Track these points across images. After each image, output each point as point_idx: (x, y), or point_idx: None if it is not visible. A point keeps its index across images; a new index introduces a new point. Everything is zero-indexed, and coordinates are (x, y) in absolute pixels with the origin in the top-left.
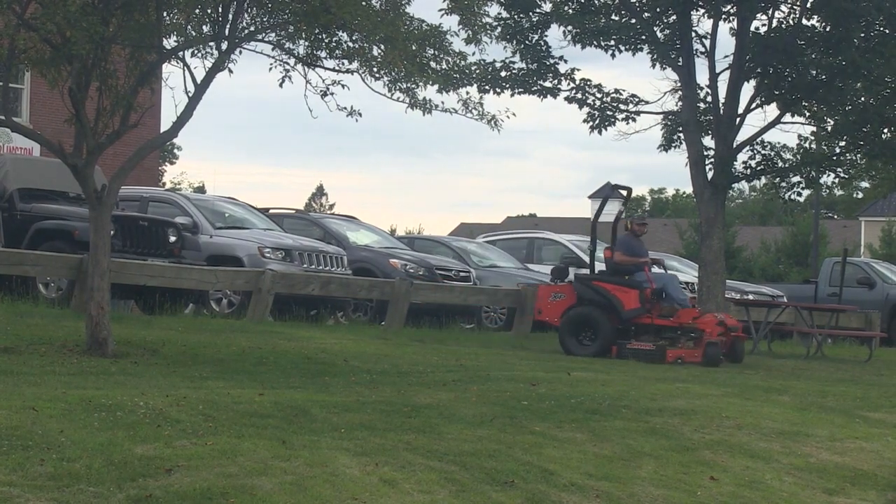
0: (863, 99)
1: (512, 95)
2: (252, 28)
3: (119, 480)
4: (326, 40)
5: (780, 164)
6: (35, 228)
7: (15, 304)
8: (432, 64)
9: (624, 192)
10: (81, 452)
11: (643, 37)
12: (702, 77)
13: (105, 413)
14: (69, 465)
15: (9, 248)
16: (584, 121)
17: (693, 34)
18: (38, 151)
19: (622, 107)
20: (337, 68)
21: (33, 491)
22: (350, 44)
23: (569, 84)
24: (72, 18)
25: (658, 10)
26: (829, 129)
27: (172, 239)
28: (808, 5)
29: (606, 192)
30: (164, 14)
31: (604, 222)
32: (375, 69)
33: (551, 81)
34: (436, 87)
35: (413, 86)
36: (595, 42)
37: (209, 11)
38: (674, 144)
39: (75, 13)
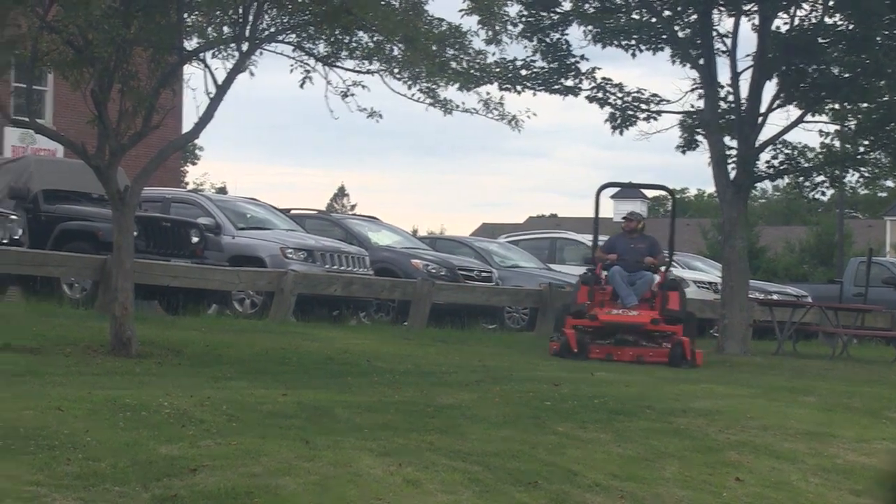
0: (886, 97)
1: (533, 94)
2: (272, 29)
3: (144, 480)
4: (346, 41)
5: (804, 163)
6: (59, 229)
7: (39, 305)
8: (452, 63)
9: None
10: (107, 452)
11: (664, 36)
12: (723, 76)
13: (130, 413)
14: (95, 464)
15: (33, 249)
16: (606, 121)
17: (714, 33)
18: (61, 153)
19: (643, 106)
20: (357, 69)
21: (60, 490)
22: (370, 44)
23: (590, 83)
24: (94, 21)
25: (679, 8)
26: (853, 128)
27: (195, 240)
28: (831, 3)
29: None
30: (185, 16)
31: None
32: (396, 69)
33: (572, 80)
34: (456, 86)
35: (433, 85)
36: (615, 41)
37: (230, 13)
38: (693, 146)
39: (97, 16)
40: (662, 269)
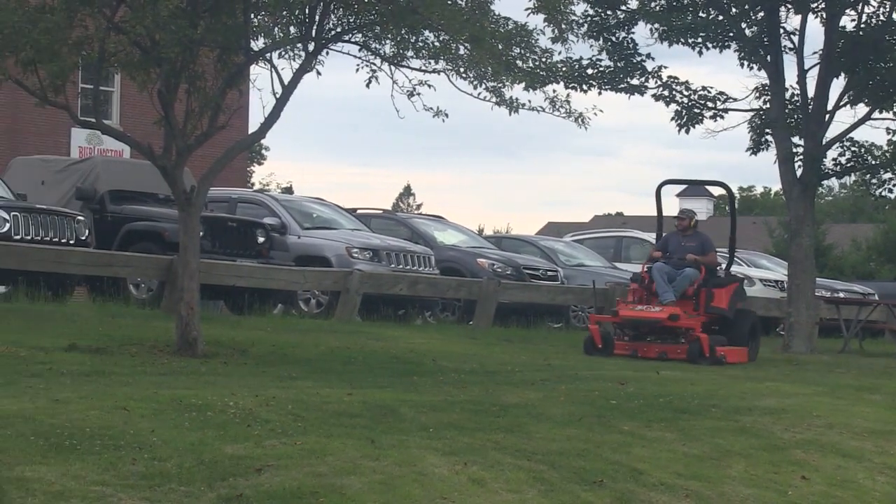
0: None
1: (599, 93)
2: (338, 29)
3: (210, 480)
4: (412, 40)
5: (871, 160)
6: (125, 230)
7: (106, 305)
8: (518, 62)
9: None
10: (172, 452)
11: (730, 34)
12: (790, 74)
13: (195, 413)
14: (160, 464)
15: (100, 249)
16: (672, 119)
17: (781, 31)
18: (128, 153)
19: (709, 104)
20: (423, 68)
21: (125, 490)
22: (436, 43)
23: (656, 82)
24: (161, 21)
25: (746, 6)
26: None
27: (261, 240)
28: None
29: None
30: (252, 16)
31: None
32: (462, 68)
33: (638, 79)
34: (522, 85)
35: (499, 84)
36: (682, 39)
37: (296, 13)
38: (762, 147)
39: (164, 16)
40: (721, 266)
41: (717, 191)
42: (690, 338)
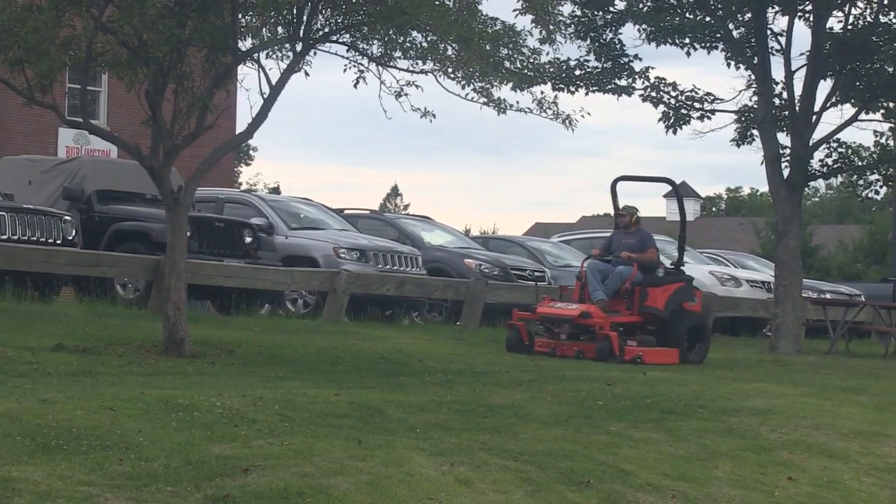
0: None
1: (586, 94)
2: (326, 29)
3: (196, 480)
4: (400, 40)
5: (857, 161)
6: (112, 230)
7: (93, 305)
8: (506, 63)
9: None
10: (159, 452)
11: (718, 35)
12: (777, 75)
13: (182, 413)
14: (147, 464)
15: (87, 249)
16: (660, 120)
17: (768, 32)
18: (115, 153)
19: (697, 105)
20: (411, 68)
21: (112, 490)
22: (424, 44)
23: (643, 82)
24: (148, 21)
25: (733, 7)
26: None
27: (248, 240)
28: (885, 1)
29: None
30: (240, 16)
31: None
32: (449, 69)
33: (626, 80)
34: (510, 86)
35: (487, 85)
36: (670, 40)
37: (284, 13)
38: (747, 140)
39: (152, 16)
40: (666, 265)
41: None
42: (598, 336)
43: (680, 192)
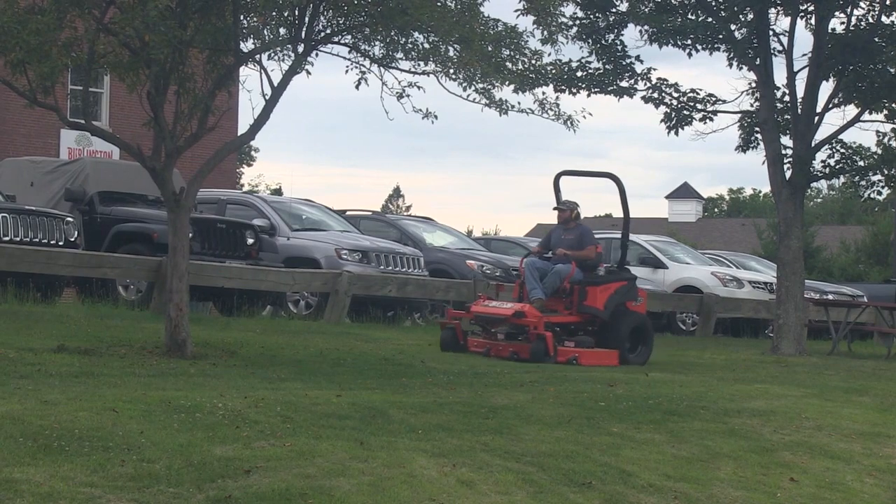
0: None
1: (588, 95)
2: (328, 30)
3: (198, 481)
4: (402, 42)
5: (860, 162)
6: (114, 231)
7: (95, 307)
8: (508, 64)
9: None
10: (161, 453)
11: (720, 36)
12: (779, 76)
13: (184, 414)
14: (149, 465)
15: (89, 250)
16: (661, 121)
17: (771, 33)
18: (117, 155)
19: (699, 106)
20: (413, 70)
21: (114, 491)
22: (426, 45)
23: (645, 84)
24: (150, 23)
25: (735, 8)
26: None
27: (250, 241)
28: (888, 2)
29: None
30: (241, 17)
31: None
32: (451, 70)
33: (627, 81)
34: (512, 87)
35: (489, 86)
36: (672, 41)
37: (286, 14)
38: (751, 146)
39: (154, 18)
40: (608, 264)
41: (706, 192)
42: (532, 336)
43: (623, 187)
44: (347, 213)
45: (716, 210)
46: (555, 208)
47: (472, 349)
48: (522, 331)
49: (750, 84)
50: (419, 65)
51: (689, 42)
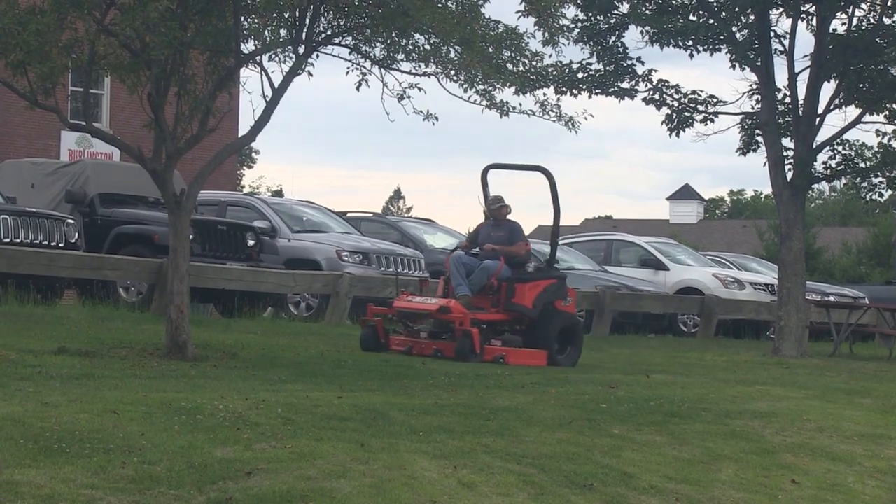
0: None
1: (589, 97)
2: (329, 32)
3: (199, 483)
4: (403, 43)
5: (861, 164)
6: (115, 233)
7: (96, 308)
8: (509, 66)
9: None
10: (162, 455)
11: (721, 37)
12: (781, 77)
13: (185, 416)
14: (150, 467)
15: (89, 252)
16: (663, 122)
17: (772, 34)
18: (118, 156)
19: (700, 108)
20: (413, 71)
21: (115, 493)
22: (427, 46)
23: (646, 85)
24: (151, 24)
25: (736, 9)
26: None
27: (251, 243)
28: (889, 3)
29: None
30: (242, 19)
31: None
32: (452, 71)
33: (628, 83)
34: (513, 88)
35: (490, 88)
36: (673, 42)
37: (286, 16)
38: (752, 148)
39: (154, 19)
40: (539, 261)
41: (707, 194)
42: (457, 333)
43: (554, 181)
44: (348, 214)
45: (717, 211)
46: (492, 204)
47: (394, 348)
48: (447, 328)
49: (751, 85)
50: (420, 66)
51: (691, 43)
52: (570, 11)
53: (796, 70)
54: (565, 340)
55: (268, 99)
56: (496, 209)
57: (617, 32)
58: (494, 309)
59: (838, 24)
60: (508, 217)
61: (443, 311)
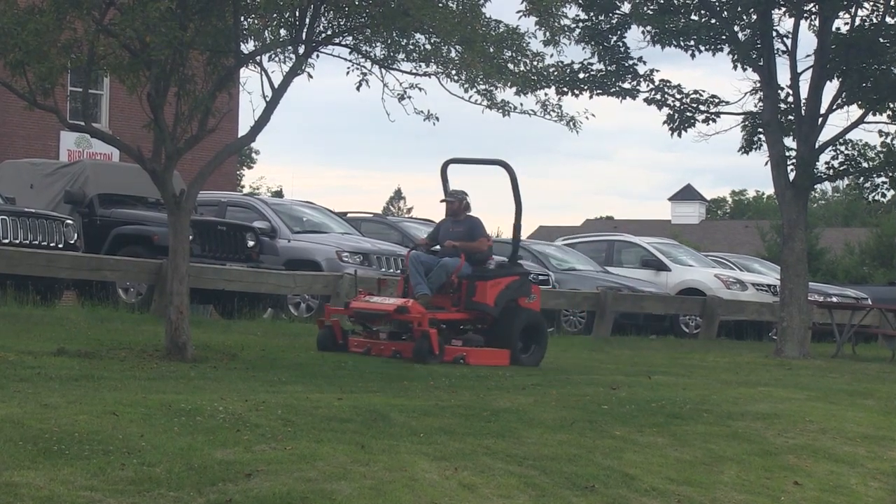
0: None
1: (590, 97)
2: (329, 32)
3: (199, 485)
4: (403, 43)
5: (864, 164)
6: (114, 233)
7: (95, 309)
8: (510, 66)
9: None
10: (162, 457)
11: (723, 36)
12: (783, 77)
13: (185, 418)
14: (150, 469)
15: (88, 253)
16: (664, 122)
17: (774, 33)
18: (117, 157)
19: (702, 108)
20: (414, 71)
21: (114, 495)
22: (427, 46)
23: (648, 85)
24: (151, 24)
25: (738, 9)
26: None
27: (251, 243)
28: (892, 3)
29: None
30: (242, 19)
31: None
32: (453, 71)
33: (630, 83)
34: (514, 88)
35: (491, 88)
36: (675, 42)
37: (286, 16)
38: (754, 147)
39: (154, 19)
40: (498, 258)
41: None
42: (416, 334)
43: (515, 176)
44: (349, 215)
45: (719, 212)
46: (442, 200)
47: (353, 349)
48: (406, 329)
49: (754, 83)
50: (420, 66)
51: (692, 43)
52: (572, 11)
53: (799, 70)
54: (529, 339)
55: (268, 99)
56: (449, 204)
57: (618, 32)
58: (455, 308)
59: (841, 24)
60: (469, 213)
61: (400, 311)
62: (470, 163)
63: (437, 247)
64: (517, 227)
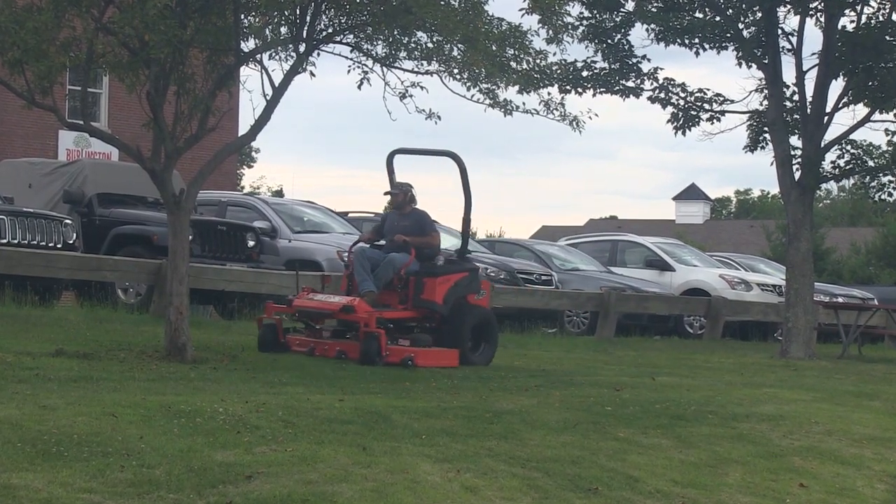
0: None
1: (594, 95)
2: (330, 30)
3: (199, 487)
4: (405, 41)
5: (870, 163)
6: (114, 233)
7: (94, 310)
8: (513, 64)
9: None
10: (161, 459)
11: (728, 34)
12: (788, 75)
13: (185, 419)
14: (149, 471)
15: (87, 253)
16: (668, 121)
17: (779, 31)
18: (116, 156)
19: (706, 106)
20: (416, 69)
21: (114, 497)
22: (429, 44)
23: (652, 84)
24: (150, 22)
25: (743, 7)
26: None
27: (251, 243)
28: None
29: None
30: (242, 17)
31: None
32: (455, 70)
33: (634, 81)
34: (516, 87)
35: (493, 86)
36: (679, 40)
37: (287, 14)
38: (760, 145)
39: (153, 17)
40: (448, 253)
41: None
42: (362, 335)
43: (464, 167)
44: (350, 215)
45: (724, 211)
46: (386, 192)
47: (295, 348)
48: (351, 328)
49: (759, 80)
50: (422, 64)
51: (697, 41)
52: (575, 9)
53: (804, 68)
54: (479, 337)
55: (268, 98)
56: (394, 196)
57: (622, 30)
58: (402, 306)
59: (847, 22)
60: (415, 206)
61: (346, 310)
62: (418, 153)
63: (382, 241)
64: (466, 221)
